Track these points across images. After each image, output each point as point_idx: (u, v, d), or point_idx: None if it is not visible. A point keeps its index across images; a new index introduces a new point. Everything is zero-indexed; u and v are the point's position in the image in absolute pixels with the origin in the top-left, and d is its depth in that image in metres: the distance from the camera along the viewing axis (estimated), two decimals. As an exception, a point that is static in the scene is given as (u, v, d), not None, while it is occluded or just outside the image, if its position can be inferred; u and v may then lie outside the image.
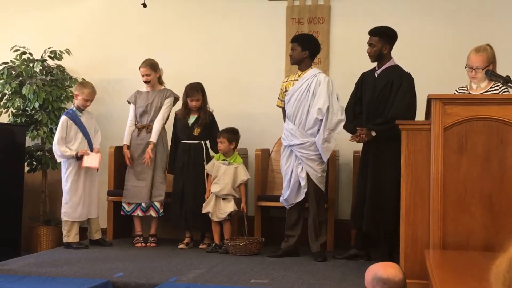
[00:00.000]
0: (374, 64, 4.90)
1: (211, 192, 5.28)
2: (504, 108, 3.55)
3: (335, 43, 5.94)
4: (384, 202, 4.62)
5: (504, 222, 3.52)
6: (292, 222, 5.03)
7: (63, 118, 5.43)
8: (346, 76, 5.37)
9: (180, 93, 5.57)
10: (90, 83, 5.55)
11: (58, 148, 5.35)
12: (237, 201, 5.32)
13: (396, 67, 4.83)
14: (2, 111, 6.07)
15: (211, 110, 5.53)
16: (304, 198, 4.96)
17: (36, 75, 6.07)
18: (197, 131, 5.45)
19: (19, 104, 5.98)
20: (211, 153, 5.55)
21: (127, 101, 5.75)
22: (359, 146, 4.97)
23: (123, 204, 5.57)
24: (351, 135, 4.84)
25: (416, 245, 3.68)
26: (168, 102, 5.61)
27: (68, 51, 6.14)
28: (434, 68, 5.58)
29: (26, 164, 6.00)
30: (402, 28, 4.95)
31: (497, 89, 4.09)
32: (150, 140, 5.50)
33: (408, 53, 5.33)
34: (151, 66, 5.60)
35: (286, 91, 5.06)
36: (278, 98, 5.20)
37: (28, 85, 5.89)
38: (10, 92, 5.99)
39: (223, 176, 5.27)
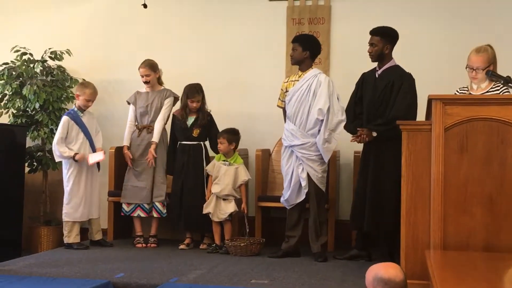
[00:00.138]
0: (375, 65, 4.90)
1: (212, 193, 5.28)
2: (505, 109, 3.55)
3: (336, 44, 5.94)
4: (384, 202, 4.62)
5: (504, 223, 3.52)
6: (292, 222, 5.03)
7: (65, 118, 5.43)
8: (347, 76, 5.37)
9: (180, 93, 5.56)
10: (92, 84, 5.56)
11: (57, 148, 5.35)
12: (238, 202, 5.32)
13: (397, 68, 4.83)
14: (2, 112, 6.07)
15: (209, 110, 5.53)
16: (304, 199, 4.96)
17: (36, 75, 6.07)
18: (196, 132, 5.45)
19: (19, 105, 5.98)
20: (211, 153, 5.55)
21: (127, 101, 5.75)
22: (360, 147, 4.97)
23: (123, 205, 5.57)
24: (351, 135, 4.84)
25: (417, 246, 3.68)
26: (168, 102, 5.61)
27: (68, 52, 6.14)
28: (435, 69, 5.58)
29: (26, 164, 6.00)
30: (402, 29, 4.95)
31: (498, 90, 4.09)
32: (152, 140, 5.50)
33: (409, 53, 5.33)
34: (151, 66, 5.60)
35: (286, 91, 5.06)
36: (279, 98, 5.20)
37: (29, 86, 5.89)
38: (10, 93, 6.00)
39: (224, 176, 5.27)
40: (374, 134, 4.70)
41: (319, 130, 4.84)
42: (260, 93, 5.98)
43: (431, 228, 3.61)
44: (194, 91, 5.43)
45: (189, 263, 4.75)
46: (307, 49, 4.99)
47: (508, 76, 3.90)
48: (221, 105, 5.79)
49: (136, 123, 5.66)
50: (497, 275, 2.95)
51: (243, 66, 6.10)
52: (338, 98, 4.90)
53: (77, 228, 5.42)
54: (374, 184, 4.70)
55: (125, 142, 5.63)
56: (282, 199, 5.08)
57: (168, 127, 5.66)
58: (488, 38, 4.58)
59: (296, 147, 4.90)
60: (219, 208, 5.26)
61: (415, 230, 3.70)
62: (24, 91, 5.89)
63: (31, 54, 6.11)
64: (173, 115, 5.58)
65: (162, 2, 6.19)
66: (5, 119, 6.08)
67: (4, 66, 6.05)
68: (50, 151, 6.06)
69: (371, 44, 4.81)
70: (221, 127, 5.44)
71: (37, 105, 5.95)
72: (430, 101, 3.69)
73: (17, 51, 6.06)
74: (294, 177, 4.93)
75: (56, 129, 5.60)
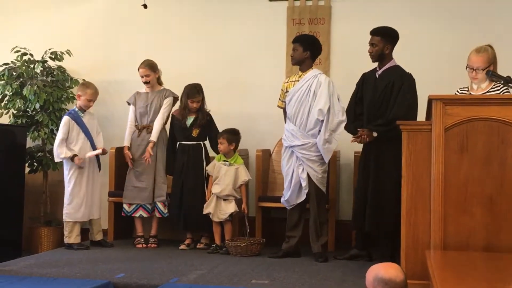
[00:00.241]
0: (375, 65, 4.90)
1: (212, 193, 5.28)
2: (505, 109, 3.55)
3: (336, 44, 5.94)
4: (385, 203, 4.62)
5: (504, 223, 3.52)
6: (293, 222, 5.03)
7: (66, 118, 5.43)
8: (347, 76, 5.36)
9: (180, 93, 5.55)
10: (93, 84, 5.56)
11: (57, 149, 5.36)
12: (238, 202, 5.33)
13: (397, 68, 4.83)
14: (3, 112, 6.07)
15: (208, 110, 5.53)
16: (305, 199, 4.96)
17: (36, 76, 6.08)
18: (196, 132, 5.45)
19: (19, 105, 5.98)
20: (210, 153, 5.55)
21: (127, 102, 5.75)
22: (360, 147, 4.96)
23: (124, 205, 5.57)
24: (352, 136, 4.84)
25: (417, 246, 3.68)
26: (167, 102, 5.61)
27: (69, 52, 6.15)
28: (435, 69, 5.58)
29: (27, 165, 6.00)
30: (402, 29, 4.94)
31: (498, 90, 4.09)
32: (150, 139, 5.50)
33: (409, 53, 5.33)
34: (150, 66, 5.61)
35: (287, 91, 5.06)
36: (279, 98, 5.20)
37: (29, 86, 5.89)
38: (11, 93, 6.00)
39: (224, 177, 5.27)
40: (375, 134, 4.70)
41: (320, 131, 4.84)
42: (260, 93, 5.98)
43: (431, 228, 3.61)
44: (195, 91, 5.43)
45: (189, 263, 4.75)
46: (307, 49, 4.99)
47: (508, 76, 3.90)
48: (221, 105, 5.80)
49: (136, 123, 5.66)
50: (497, 275, 2.95)
51: (243, 66, 6.10)
52: (338, 99, 4.90)
53: (78, 229, 5.42)
54: (374, 184, 4.70)
55: (126, 143, 5.63)
56: (282, 200, 5.08)
57: (168, 127, 5.66)
58: (488, 38, 4.59)
59: (296, 148, 4.90)
60: (219, 208, 5.27)
61: (415, 230, 3.70)
62: (25, 92, 5.89)
63: (31, 55, 6.11)
64: (172, 115, 5.58)
65: (162, 2, 6.19)
66: (6, 119, 6.09)
67: (5, 66, 6.06)
68: (51, 152, 6.07)
69: (371, 44, 4.81)
70: (221, 127, 5.43)
71: (37, 106, 5.95)
72: (430, 101, 3.69)
73: (18, 51, 6.06)
74: (295, 177, 4.93)
75: (57, 130, 5.60)
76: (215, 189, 5.27)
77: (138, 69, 5.62)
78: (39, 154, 6.07)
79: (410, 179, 3.73)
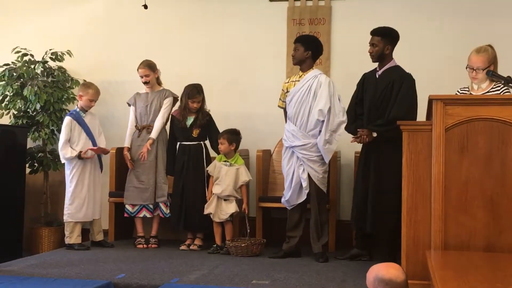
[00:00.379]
0: (376, 65, 4.90)
1: (213, 193, 5.29)
2: (506, 109, 3.55)
3: (336, 44, 5.94)
4: (385, 203, 4.62)
5: (505, 223, 3.52)
6: (293, 223, 5.03)
7: (67, 118, 5.44)
8: (348, 77, 5.37)
9: (180, 93, 5.55)
10: (94, 84, 5.56)
11: (61, 150, 5.36)
12: (239, 202, 5.33)
13: (397, 68, 4.83)
14: (3, 113, 6.08)
15: (208, 110, 5.53)
16: (305, 199, 4.96)
17: (37, 76, 6.08)
18: (196, 132, 5.45)
19: (20, 106, 5.99)
20: (211, 153, 5.55)
21: (127, 103, 5.75)
22: (360, 147, 4.97)
23: (127, 206, 5.57)
24: (352, 136, 4.84)
25: (418, 246, 3.68)
26: (167, 102, 5.61)
27: (69, 53, 6.15)
28: (435, 69, 5.59)
29: (27, 165, 6.00)
30: (403, 29, 4.95)
31: (498, 90, 4.09)
32: (150, 136, 5.49)
33: (409, 53, 5.34)
34: (149, 66, 5.61)
35: (287, 91, 5.06)
36: (280, 98, 5.20)
37: (30, 87, 5.90)
38: (11, 94, 6.00)
39: (225, 177, 5.27)
40: (374, 134, 4.70)
41: (320, 131, 4.84)
42: (260, 94, 5.98)
43: (431, 228, 3.60)
44: (195, 91, 5.43)
45: (190, 263, 4.75)
46: (309, 49, 4.99)
47: (508, 76, 3.91)
48: (221, 106, 5.80)
49: (136, 124, 5.66)
50: (498, 276, 2.95)
51: (244, 67, 6.11)
52: (339, 99, 4.90)
53: (79, 229, 5.43)
54: (375, 184, 4.70)
55: (126, 144, 5.63)
56: (283, 200, 5.08)
57: (168, 128, 5.66)
58: (489, 38, 4.59)
59: (296, 148, 4.91)
60: (220, 208, 5.27)
61: (416, 230, 3.70)
62: (25, 92, 5.89)
63: (32, 55, 6.11)
64: (172, 115, 5.58)
65: (162, 2, 6.19)
66: (6, 120, 6.09)
67: (5, 67, 6.05)
68: (51, 152, 6.09)
69: (371, 44, 4.82)
70: (221, 127, 5.43)
71: (38, 106, 5.95)
72: (430, 101, 3.69)
73: (18, 52, 6.07)
74: (295, 177, 4.93)
75: (57, 130, 5.60)
76: (216, 189, 5.27)
77: (138, 70, 5.63)
78: (39, 154, 6.07)
79: (411, 179, 3.73)
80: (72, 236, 5.38)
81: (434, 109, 3.63)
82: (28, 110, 6.06)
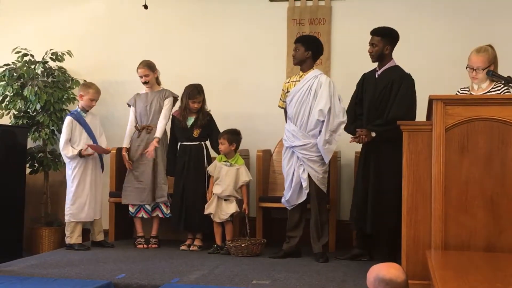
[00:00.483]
0: (376, 65, 4.90)
1: (213, 194, 5.29)
2: (506, 109, 3.55)
3: (337, 44, 5.95)
4: (385, 203, 4.62)
5: (505, 223, 3.52)
6: (293, 223, 5.03)
7: (68, 118, 5.44)
8: (348, 77, 5.37)
9: (180, 93, 5.55)
10: (94, 84, 5.57)
11: (63, 150, 5.37)
12: (239, 202, 5.33)
13: (397, 68, 4.83)
14: (3, 113, 6.08)
15: (208, 110, 5.53)
16: (305, 199, 4.96)
17: (37, 76, 6.08)
18: (197, 132, 5.45)
19: (20, 106, 5.99)
20: (212, 154, 5.55)
21: (127, 104, 5.75)
22: (360, 147, 4.97)
23: (129, 206, 5.56)
24: (351, 136, 4.85)
25: (418, 246, 3.68)
26: (168, 102, 5.61)
27: (69, 53, 6.15)
28: (435, 69, 5.59)
29: (27, 165, 6.00)
30: (403, 29, 4.95)
31: (499, 90, 4.10)
32: (155, 135, 5.48)
33: (409, 53, 5.34)
34: (149, 66, 5.61)
35: (288, 91, 5.06)
36: (280, 99, 5.20)
37: (30, 87, 5.90)
38: (11, 94, 6.00)
39: (225, 177, 5.27)
40: (373, 134, 4.70)
41: (320, 131, 4.84)
42: (260, 94, 5.98)
43: (432, 228, 3.61)
44: (196, 91, 5.43)
45: (190, 263, 4.75)
46: (309, 49, 4.99)
47: (508, 76, 3.91)
48: (221, 106, 5.80)
49: (136, 124, 5.66)
50: (498, 275, 2.95)
51: (244, 67, 6.11)
52: (339, 99, 4.90)
53: (80, 229, 5.42)
54: (375, 184, 4.71)
55: (124, 144, 5.63)
56: (283, 200, 5.08)
57: (168, 128, 5.66)
58: (489, 38, 4.59)
59: (297, 148, 4.91)
60: (220, 208, 5.27)
61: (416, 230, 3.70)
62: (25, 92, 5.90)
63: (32, 55, 6.12)
64: (173, 115, 5.57)
65: (162, 2, 6.20)
66: (6, 120, 6.09)
67: (5, 67, 6.06)
68: (51, 152, 6.09)
69: (371, 44, 4.82)
70: (221, 127, 5.44)
71: (38, 106, 5.96)
72: (431, 101, 3.69)
73: (18, 52, 6.07)
74: (295, 177, 4.93)
75: (57, 130, 5.59)
76: (216, 189, 5.28)
77: (137, 70, 5.63)
78: (40, 154, 6.07)
79: (411, 179, 3.73)
80: (73, 236, 5.38)
81: (434, 109, 3.63)
82: (28, 110, 6.06)
